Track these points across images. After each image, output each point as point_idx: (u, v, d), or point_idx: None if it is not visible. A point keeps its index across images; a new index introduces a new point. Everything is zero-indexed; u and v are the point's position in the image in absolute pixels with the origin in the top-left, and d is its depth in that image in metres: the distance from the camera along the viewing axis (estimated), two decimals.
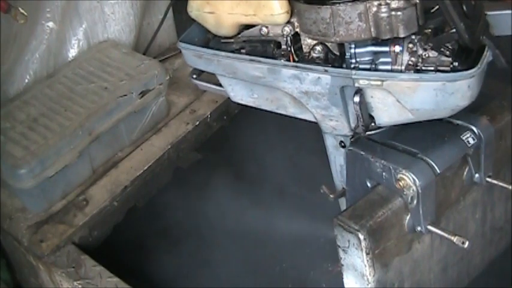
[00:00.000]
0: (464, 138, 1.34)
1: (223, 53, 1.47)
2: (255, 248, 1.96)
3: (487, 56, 1.25)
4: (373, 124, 1.36)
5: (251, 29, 1.46)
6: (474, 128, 1.35)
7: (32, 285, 1.97)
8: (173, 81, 2.25)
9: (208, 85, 1.58)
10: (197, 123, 2.15)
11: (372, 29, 1.26)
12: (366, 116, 1.33)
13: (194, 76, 1.59)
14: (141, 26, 2.38)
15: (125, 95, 2.01)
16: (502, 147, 1.45)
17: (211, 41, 1.55)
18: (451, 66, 1.26)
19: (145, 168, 2.00)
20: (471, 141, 1.34)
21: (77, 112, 1.95)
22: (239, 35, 1.48)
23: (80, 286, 1.70)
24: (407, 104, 1.27)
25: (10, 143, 1.86)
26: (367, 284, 1.29)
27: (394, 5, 1.23)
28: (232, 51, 1.47)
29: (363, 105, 1.31)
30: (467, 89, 1.22)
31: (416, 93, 1.25)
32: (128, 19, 2.29)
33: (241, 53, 1.46)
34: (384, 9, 1.23)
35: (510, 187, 1.39)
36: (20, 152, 1.83)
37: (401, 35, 1.25)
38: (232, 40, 1.50)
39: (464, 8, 1.23)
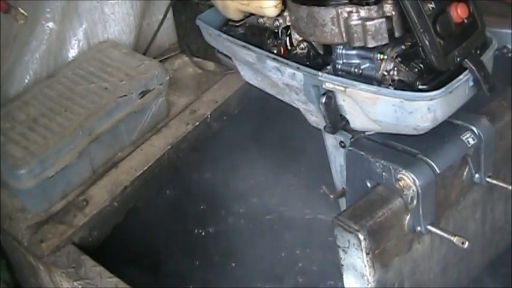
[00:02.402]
0: (464, 138, 1.34)
1: (224, 35, 1.51)
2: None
3: (464, 80, 1.23)
4: (349, 126, 1.37)
5: (252, 17, 1.50)
6: (474, 128, 1.35)
7: (32, 285, 1.97)
8: (173, 81, 2.26)
9: (230, 61, 1.61)
10: (197, 123, 2.15)
11: (344, 35, 1.26)
12: (334, 118, 1.34)
13: (219, 50, 1.62)
14: (141, 26, 2.38)
15: (125, 95, 2.01)
16: (502, 147, 1.45)
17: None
18: (415, 84, 1.25)
19: (145, 168, 2.00)
20: (471, 141, 1.34)
21: (77, 112, 1.95)
22: (244, 21, 1.51)
23: (80, 286, 1.70)
24: (370, 114, 1.28)
25: (10, 143, 1.86)
26: (367, 284, 1.29)
27: (363, 14, 1.23)
28: (238, 35, 1.51)
29: (331, 106, 1.32)
30: (427, 111, 1.21)
31: (377, 106, 1.26)
32: (128, 19, 2.29)
33: (244, 38, 1.49)
34: (353, 16, 1.23)
35: (510, 187, 1.39)
36: (20, 152, 1.83)
37: (369, 45, 1.25)
38: (238, 24, 1.54)
39: (438, 27, 1.21)
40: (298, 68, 1.35)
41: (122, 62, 2.14)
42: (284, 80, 1.40)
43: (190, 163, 2.13)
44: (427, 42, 1.20)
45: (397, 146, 1.34)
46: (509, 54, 1.43)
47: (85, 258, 1.76)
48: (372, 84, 1.28)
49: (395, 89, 1.25)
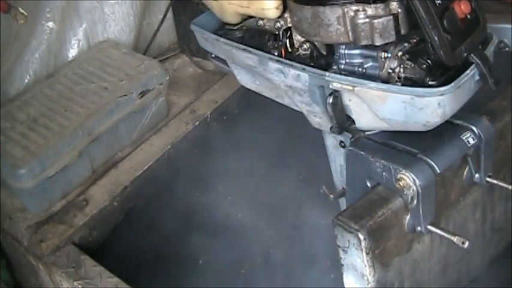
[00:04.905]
0: (464, 138, 1.34)
1: (222, 39, 1.50)
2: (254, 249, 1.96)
3: (470, 74, 1.24)
4: (354, 126, 1.37)
5: (251, 20, 1.49)
6: (474, 128, 1.35)
7: (32, 285, 1.97)
8: (173, 81, 2.26)
9: (224, 66, 1.61)
10: (197, 123, 2.15)
11: (350, 34, 1.26)
12: (341, 118, 1.34)
13: (213, 55, 1.62)
14: (141, 26, 2.38)
15: (125, 95, 2.01)
16: (502, 147, 1.45)
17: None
18: (425, 80, 1.25)
19: (145, 168, 2.00)
20: (471, 141, 1.34)
21: (77, 112, 1.95)
22: (241, 24, 1.51)
23: (80, 286, 1.70)
24: (379, 112, 1.28)
25: (10, 143, 1.86)
26: (367, 284, 1.29)
27: (370, 12, 1.23)
28: (236, 39, 1.50)
29: (338, 106, 1.32)
30: (437, 107, 1.21)
31: (386, 103, 1.25)
32: (127, 19, 2.29)
33: (242, 41, 1.48)
34: (360, 15, 1.23)
35: (510, 187, 1.39)
36: (20, 152, 1.83)
37: (377, 43, 1.24)
38: (235, 28, 1.53)
39: (446, 22, 1.22)
40: (303, 69, 1.34)
41: (122, 62, 2.14)
42: (287, 82, 1.39)
43: (190, 163, 2.13)
44: (436, 38, 1.20)
45: (397, 146, 1.34)
46: (506, 49, 1.43)
47: (85, 258, 1.76)
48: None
49: (402, 86, 1.26)
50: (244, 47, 1.45)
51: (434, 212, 1.31)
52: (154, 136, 2.11)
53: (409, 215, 1.30)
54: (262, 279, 1.88)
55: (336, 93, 1.31)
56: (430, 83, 1.24)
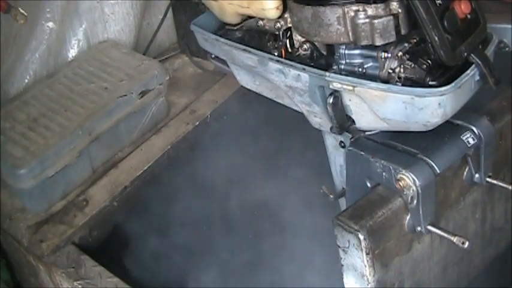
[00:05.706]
0: (464, 138, 1.34)
1: (222, 39, 1.50)
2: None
3: (471, 74, 1.24)
4: (354, 126, 1.37)
5: (251, 20, 1.49)
6: (474, 128, 1.35)
7: (32, 285, 1.97)
8: (173, 81, 2.26)
9: (224, 66, 1.61)
10: (197, 123, 2.15)
11: (350, 34, 1.26)
12: (341, 118, 1.34)
13: (213, 56, 1.62)
14: (141, 26, 2.38)
15: (125, 95, 2.01)
16: (502, 147, 1.45)
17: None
18: (425, 80, 1.25)
19: (145, 168, 2.00)
20: (471, 141, 1.34)
21: (77, 112, 1.95)
22: (241, 24, 1.51)
23: (80, 286, 1.70)
24: (379, 112, 1.28)
25: (10, 143, 1.86)
26: (367, 284, 1.29)
27: (370, 12, 1.23)
28: (236, 39, 1.50)
29: (338, 107, 1.32)
30: (437, 107, 1.21)
31: (386, 104, 1.25)
32: (127, 19, 2.30)
33: (242, 41, 1.48)
34: (360, 15, 1.23)
35: (510, 187, 1.39)
36: (20, 152, 1.83)
37: (377, 43, 1.24)
38: (235, 28, 1.53)
39: (446, 22, 1.22)
40: (303, 69, 1.35)
41: (122, 62, 2.14)
42: (287, 82, 1.40)
43: (190, 163, 2.13)
44: (436, 38, 1.20)
45: (397, 146, 1.34)
46: (507, 49, 1.43)
47: (85, 258, 1.77)
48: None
49: (403, 86, 1.26)
50: (244, 47, 1.46)
51: (434, 212, 1.31)
52: (154, 136, 2.11)
53: (409, 215, 1.30)
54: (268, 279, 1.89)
55: (336, 94, 1.31)
56: (430, 83, 1.24)
